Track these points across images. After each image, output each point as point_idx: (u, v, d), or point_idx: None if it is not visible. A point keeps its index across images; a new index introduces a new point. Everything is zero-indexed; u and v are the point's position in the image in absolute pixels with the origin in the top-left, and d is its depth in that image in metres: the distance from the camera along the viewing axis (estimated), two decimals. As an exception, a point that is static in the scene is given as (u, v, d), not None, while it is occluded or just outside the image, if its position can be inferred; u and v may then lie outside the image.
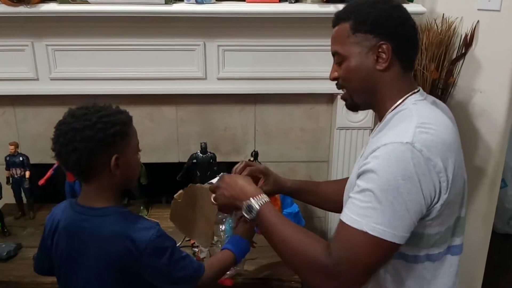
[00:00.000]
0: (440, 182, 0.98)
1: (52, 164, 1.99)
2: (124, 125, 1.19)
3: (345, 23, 1.12)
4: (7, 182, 2.03)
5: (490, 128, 2.00)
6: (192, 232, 1.57)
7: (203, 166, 2.08)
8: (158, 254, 1.18)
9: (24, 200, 2.10)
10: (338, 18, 1.15)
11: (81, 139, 1.12)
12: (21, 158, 2.01)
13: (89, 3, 1.84)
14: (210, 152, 2.08)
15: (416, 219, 0.99)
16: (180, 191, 1.51)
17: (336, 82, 1.19)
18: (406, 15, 1.12)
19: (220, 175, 1.40)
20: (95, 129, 1.13)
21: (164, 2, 1.84)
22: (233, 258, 1.36)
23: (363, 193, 0.99)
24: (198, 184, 1.55)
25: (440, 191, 0.99)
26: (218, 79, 2.05)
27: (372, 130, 2.08)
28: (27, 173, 2.01)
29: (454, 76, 2.04)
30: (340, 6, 1.82)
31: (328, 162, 2.26)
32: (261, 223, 1.16)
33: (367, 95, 1.14)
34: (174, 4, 1.86)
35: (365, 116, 2.08)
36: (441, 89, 2.05)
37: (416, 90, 1.13)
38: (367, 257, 0.98)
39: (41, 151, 2.13)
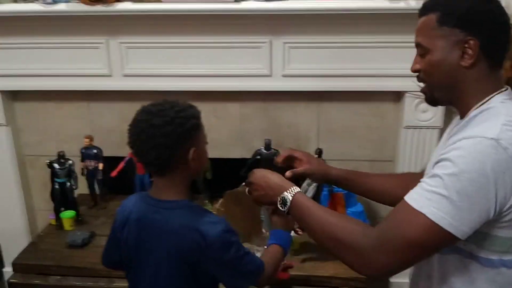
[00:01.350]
0: None
1: (124, 157, 2.08)
2: (197, 119, 1.22)
3: (432, 14, 1.06)
4: (82, 173, 2.14)
5: None
6: (245, 235, 1.58)
7: (267, 162, 2.09)
8: (225, 248, 1.19)
9: (97, 190, 2.20)
10: (425, 8, 1.09)
11: (161, 135, 1.14)
12: (95, 151, 2.11)
13: (161, 1, 1.90)
14: (273, 149, 2.09)
15: (481, 217, 0.94)
16: (220, 200, 1.53)
17: (417, 74, 1.15)
18: (499, 9, 1.05)
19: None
20: (174, 125, 1.16)
21: (233, 0, 1.87)
22: (282, 251, 1.37)
23: (433, 178, 0.96)
24: (233, 189, 1.55)
25: None
26: (283, 76, 2.06)
27: (441, 130, 2.02)
28: (100, 165, 2.11)
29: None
30: (411, 2, 1.82)
31: (393, 162, 2.21)
32: (296, 213, 1.16)
33: (449, 91, 1.10)
34: (242, 2, 1.89)
35: (434, 115, 2.01)
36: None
37: (503, 89, 1.07)
38: (416, 238, 0.95)
39: (113, 144, 2.23)
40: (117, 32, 2.05)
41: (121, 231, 1.27)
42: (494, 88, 1.05)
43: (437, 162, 0.99)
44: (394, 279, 2.27)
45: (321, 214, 1.11)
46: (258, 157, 2.10)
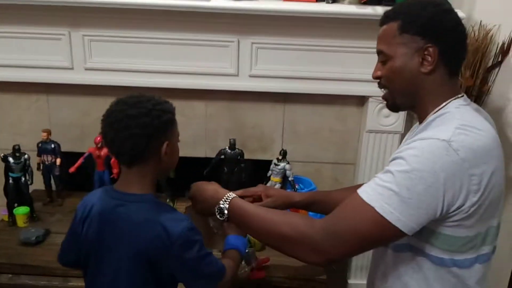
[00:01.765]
0: (470, 185, 0.98)
1: (83, 153, 2.02)
2: (173, 114, 1.24)
3: (393, 23, 1.11)
4: (38, 168, 2.06)
5: (524, 138, 1.97)
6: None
7: (231, 162, 2.08)
8: (188, 246, 1.18)
9: (53, 186, 2.12)
10: (387, 17, 1.14)
11: (137, 126, 1.15)
12: (52, 145, 2.03)
13: (128, -5, 1.86)
14: (238, 149, 2.08)
15: (428, 214, 0.99)
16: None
17: (378, 81, 1.19)
18: (457, 19, 1.10)
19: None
20: (151, 116, 1.16)
21: (201, -3, 1.85)
22: (239, 255, 1.39)
23: (386, 173, 1.01)
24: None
25: (468, 194, 0.98)
26: (250, 76, 2.05)
27: (402, 135, 2.07)
28: (58, 160, 2.04)
29: (489, 84, 2.01)
30: (378, 8, 1.85)
31: (355, 165, 2.24)
32: (236, 219, 1.22)
33: (409, 96, 1.14)
34: (211, 0, 1.87)
35: (396, 120, 2.06)
36: (474, 96, 2.02)
37: (460, 95, 1.12)
38: (365, 231, 1.00)
39: (72, 140, 2.16)
40: (80, 24, 1.99)
41: (82, 226, 1.26)
42: (451, 94, 1.11)
43: (392, 160, 1.03)
44: (352, 281, 2.31)
45: (262, 214, 1.16)
46: (222, 156, 2.08)
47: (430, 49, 1.07)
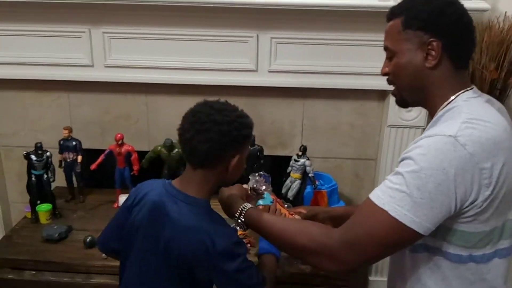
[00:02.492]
0: (481, 179, 0.96)
1: (104, 150, 2.03)
2: (251, 129, 1.24)
3: (398, 19, 1.09)
4: (60, 166, 2.08)
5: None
6: None
7: (250, 159, 2.07)
8: (231, 258, 1.18)
9: (75, 184, 2.14)
10: (392, 13, 1.13)
11: (218, 132, 1.15)
12: (74, 143, 2.05)
13: (147, -9, 1.86)
14: (257, 145, 2.08)
15: (442, 212, 0.97)
16: None
17: (386, 77, 1.17)
18: (461, 11, 1.08)
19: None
20: (232, 126, 1.16)
21: (220, -7, 1.84)
22: (274, 257, 1.38)
23: (395, 175, 0.99)
24: None
25: (479, 188, 0.96)
26: (269, 71, 2.04)
27: (424, 129, 2.03)
28: (79, 158, 2.06)
29: (514, 77, 1.96)
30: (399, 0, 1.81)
31: (376, 160, 2.21)
32: (253, 229, 1.22)
33: (416, 92, 1.12)
34: (230, -5, 1.86)
35: (418, 114, 2.03)
36: (499, 89, 1.98)
37: (469, 88, 1.09)
38: (381, 236, 0.98)
39: (93, 137, 2.18)
40: (100, 21, 2.00)
41: (131, 211, 1.26)
42: (459, 87, 1.08)
43: (401, 161, 1.01)
44: (373, 277, 2.29)
45: (278, 225, 1.15)
46: (242, 153, 2.07)
47: (434, 44, 1.05)
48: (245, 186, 1.44)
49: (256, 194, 1.45)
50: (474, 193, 0.96)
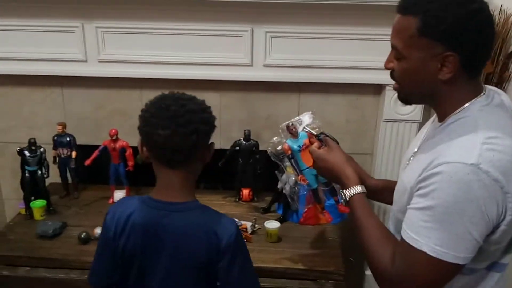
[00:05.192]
0: (506, 203, 0.93)
1: (98, 146, 2.02)
2: None
3: (412, 18, 0.98)
4: (54, 162, 2.07)
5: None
6: None
7: (246, 154, 2.07)
8: (238, 249, 1.16)
9: (70, 180, 2.13)
10: (405, 8, 1.00)
11: (200, 121, 1.10)
12: (68, 138, 2.04)
13: (140, -15, 1.84)
14: (253, 140, 2.07)
15: (481, 239, 0.95)
16: None
17: (390, 71, 1.10)
18: (485, 21, 0.98)
19: (320, 135, 1.42)
20: (208, 112, 1.14)
21: (214, -14, 1.82)
22: None
23: (422, 211, 0.96)
24: None
25: (505, 212, 0.94)
26: (264, 66, 2.03)
27: (420, 124, 2.03)
28: (73, 153, 2.05)
29: (510, 71, 1.96)
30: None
31: (372, 155, 2.21)
32: (350, 212, 1.20)
33: (423, 98, 1.11)
34: (224, -11, 1.85)
35: (414, 109, 2.02)
36: (495, 83, 1.97)
37: (482, 94, 1.04)
38: (426, 276, 0.97)
39: (87, 132, 2.16)
40: (94, 16, 1.98)
41: (116, 240, 1.17)
42: (472, 94, 1.03)
43: (420, 188, 0.98)
44: (369, 272, 2.28)
45: (369, 226, 1.11)
46: (237, 148, 2.07)
47: (450, 58, 0.96)
48: (283, 125, 1.46)
49: (288, 132, 1.45)
50: (502, 217, 0.94)
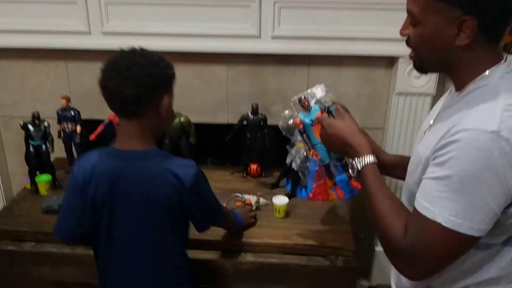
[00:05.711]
0: None
1: (103, 120, 1.98)
2: (174, 70, 1.26)
3: None
4: (59, 136, 2.04)
5: None
6: None
7: (253, 128, 2.02)
8: (200, 187, 1.26)
9: (75, 154, 2.10)
10: None
11: (146, 74, 1.17)
12: (72, 113, 2.00)
13: (143, -47, 1.77)
14: (261, 114, 2.02)
15: (499, 211, 0.91)
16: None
17: (406, 39, 1.06)
18: None
19: (330, 106, 1.37)
20: (159, 67, 1.19)
21: (221, -47, 1.75)
22: (234, 218, 1.55)
23: (438, 180, 0.92)
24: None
25: None
26: (273, 38, 1.96)
27: (434, 97, 1.96)
28: (78, 128, 2.01)
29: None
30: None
31: (383, 130, 2.15)
32: (361, 183, 1.14)
33: (440, 65, 1.04)
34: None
35: (428, 81, 1.95)
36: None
37: (502, 61, 0.98)
38: (440, 248, 0.93)
39: (92, 107, 2.12)
40: (96, -14, 1.92)
41: (85, 191, 1.25)
42: (492, 62, 0.97)
43: (437, 157, 0.93)
44: (380, 248, 2.25)
45: (378, 200, 1.06)
46: (245, 122, 2.02)
47: (469, 22, 0.92)
48: (294, 98, 1.43)
49: (300, 106, 1.42)
50: None
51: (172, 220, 1.27)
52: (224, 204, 1.56)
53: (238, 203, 1.83)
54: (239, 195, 1.86)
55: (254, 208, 1.80)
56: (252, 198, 1.84)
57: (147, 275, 1.32)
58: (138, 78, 1.16)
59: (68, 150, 2.08)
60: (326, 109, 1.36)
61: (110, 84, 1.18)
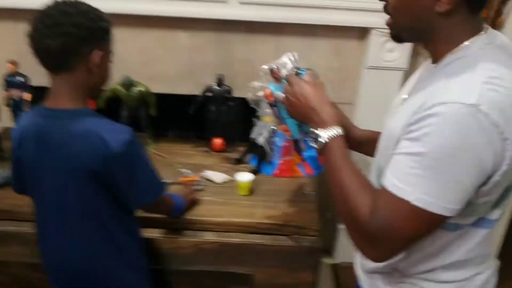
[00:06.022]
0: (504, 151, 0.84)
1: (54, 87, 1.83)
2: (109, 23, 1.19)
3: None
4: (6, 104, 1.88)
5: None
6: None
7: (218, 100, 1.93)
8: (136, 158, 1.19)
9: (24, 124, 1.95)
10: None
11: (72, 24, 1.09)
12: (21, 79, 1.85)
13: None
14: (226, 85, 1.92)
15: (473, 190, 0.86)
16: None
17: (384, 3, 1.00)
18: None
19: (304, 69, 1.27)
20: (87, 18, 1.12)
21: None
22: (173, 203, 1.45)
23: (410, 156, 0.86)
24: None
25: (502, 161, 0.85)
26: (241, 3, 1.84)
27: (406, 72, 1.90)
28: (27, 95, 1.86)
29: (503, 16, 1.83)
30: None
31: (353, 105, 2.08)
32: (324, 157, 1.05)
33: (418, 34, 0.97)
34: None
35: (401, 55, 1.88)
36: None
37: (482, 32, 0.93)
38: (408, 228, 0.88)
39: (43, 72, 1.96)
40: None
41: (19, 151, 1.23)
42: (471, 32, 0.92)
43: (410, 132, 0.87)
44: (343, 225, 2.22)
45: (343, 177, 0.98)
46: (209, 93, 1.92)
47: None
48: (265, 67, 1.34)
49: (272, 76, 1.33)
50: (497, 165, 0.85)
51: (103, 188, 1.20)
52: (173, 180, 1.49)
53: (182, 179, 1.73)
54: (187, 171, 1.76)
55: (199, 188, 1.71)
56: (215, 175, 1.75)
57: (78, 243, 1.27)
58: (62, 28, 1.08)
59: (16, 119, 1.92)
60: (297, 71, 1.26)
61: (35, 34, 1.11)
